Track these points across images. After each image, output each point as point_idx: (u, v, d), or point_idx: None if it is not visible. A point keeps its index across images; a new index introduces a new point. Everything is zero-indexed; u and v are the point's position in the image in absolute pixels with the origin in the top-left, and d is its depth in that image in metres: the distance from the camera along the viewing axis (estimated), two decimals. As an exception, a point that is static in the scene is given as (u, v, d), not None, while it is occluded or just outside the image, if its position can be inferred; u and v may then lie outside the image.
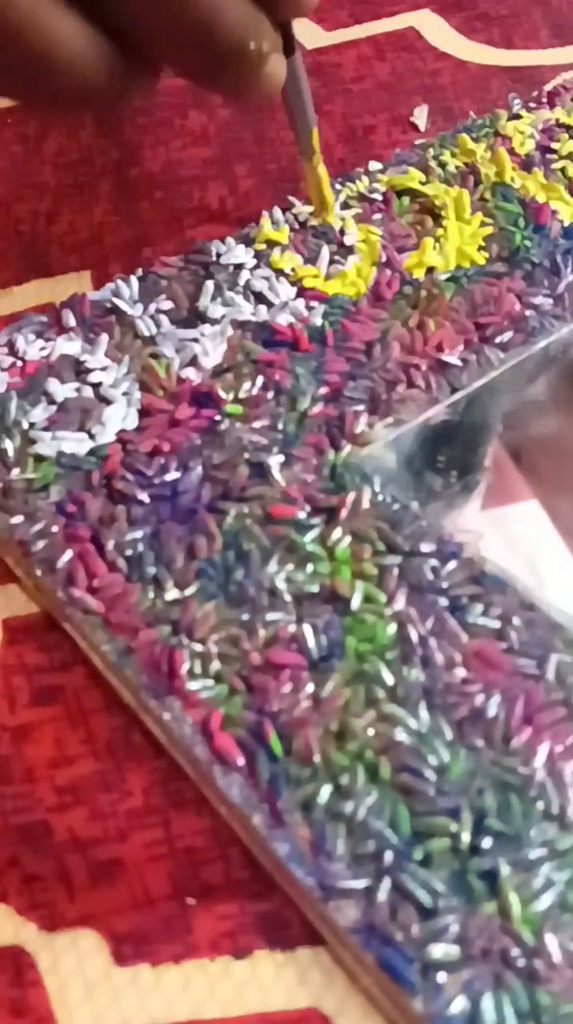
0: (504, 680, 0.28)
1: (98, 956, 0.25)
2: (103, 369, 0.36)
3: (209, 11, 0.31)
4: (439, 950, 0.24)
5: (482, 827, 0.26)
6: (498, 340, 0.36)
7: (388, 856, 0.26)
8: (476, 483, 0.35)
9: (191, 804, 0.27)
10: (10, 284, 0.40)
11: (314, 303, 0.37)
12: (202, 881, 0.26)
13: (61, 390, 0.35)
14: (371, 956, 0.24)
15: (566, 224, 0.40)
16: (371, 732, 0.28)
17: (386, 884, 0.25)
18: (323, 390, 0.35)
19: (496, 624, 0.30)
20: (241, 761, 0.27)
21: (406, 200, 0.41)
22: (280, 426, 0.34)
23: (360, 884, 0.25)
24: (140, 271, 0.39)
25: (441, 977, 0.24)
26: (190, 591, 0.30)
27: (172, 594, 0.30)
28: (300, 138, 0.39)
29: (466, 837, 0.26)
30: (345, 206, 0.41)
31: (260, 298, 0.38)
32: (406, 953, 0.24)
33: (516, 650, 0.29)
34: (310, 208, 0.40)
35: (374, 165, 0.42)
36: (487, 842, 0.26)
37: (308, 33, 0.49)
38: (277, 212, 0.40)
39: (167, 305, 0.37)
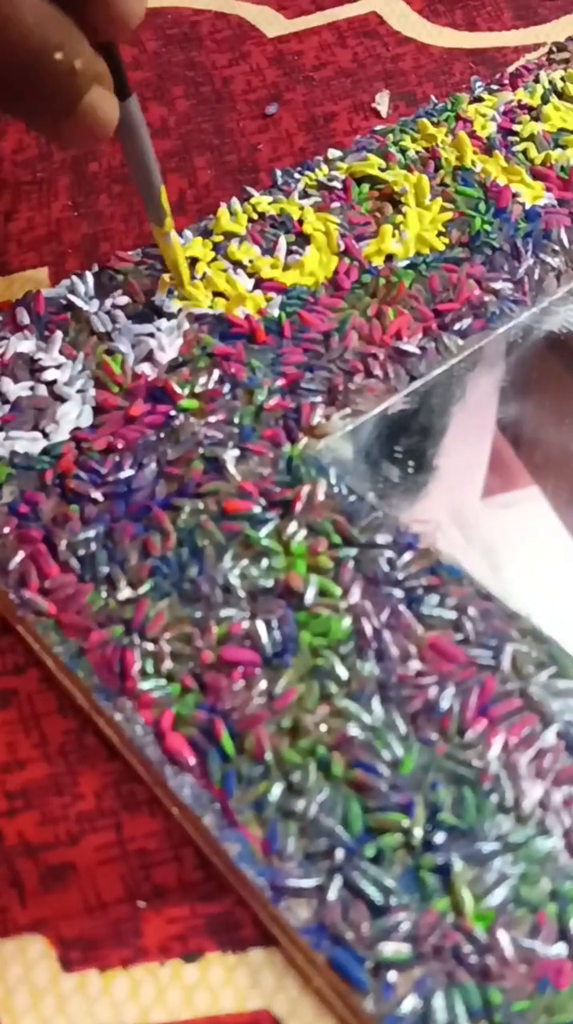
0: (459, 671, 0.28)
1: (45, 963, 0.25)
2: (58, 367, 0.35)
3: (1, 10, 0.27)
4: (390, 948, 0.24)
5: (435, 822, 0.26)
6: (457, 327, 0.36)
7: (339, 854, 0.25)
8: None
9: (144, 806, 0.27)
10: (-33, 283, 0.39)
11: (272, 294, 0.37)
12: (154, 883, 0.26)
13: (15, 389, 0.34)
14: (322, 956, 0.24)
15: (527, 207, 0.39)
16: (324, 728, 0.27)
17: (337, 882, 0.25)
18: (280, 382, 0.34)
19: (451, 615, 0.29)
20: (192, 761, 0.27)
21: (366, 187, 0.40)
22: (236, 420, 0.34)
23: (311, 883, 0.25)
24: (96, 266, 0.38)
25: (392, 976, 0.24)
26: (143, 589, 0.30)
27: (125, 593, 0.30)
28: (146, 199, 0.35)
29: (419, 832, 0.25)
30: (304, 195, 0.40)
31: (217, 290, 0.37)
32: (356, 952, 0.24)
33: (471, 641, 0.29)
34: (268, 198, 0.40)
35: (333, 153, 0.42)
36: (440, 837, 0.25)
37: (269, 21, 0.49)
38: (235, 203, 0.40)
39: (123, 300, 0.37)
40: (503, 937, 0.24)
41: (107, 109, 0.30)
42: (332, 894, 0.25)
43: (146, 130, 0.33)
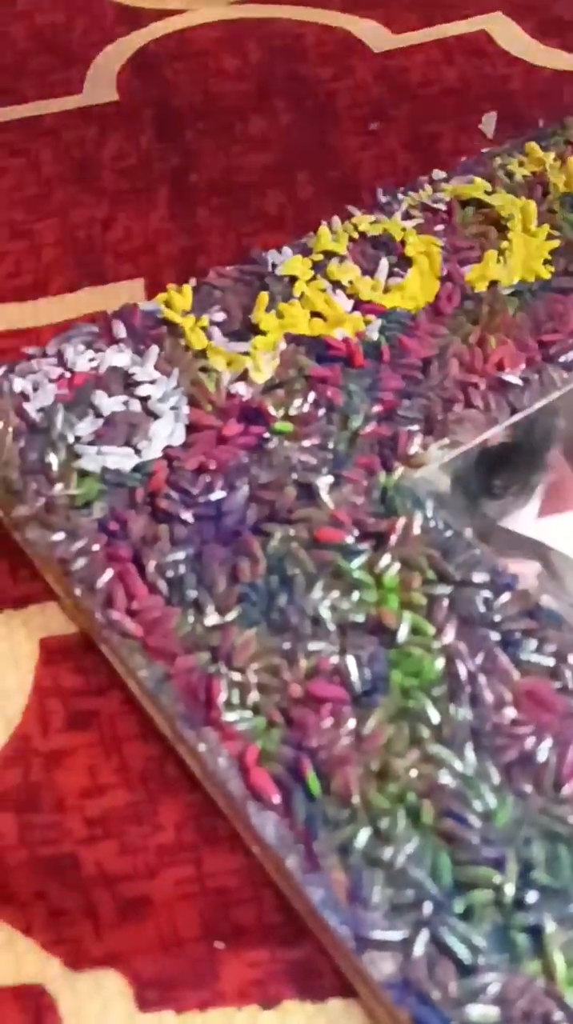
0: (557, 722, 0.27)
1: (121, 1000, 0.24)
2: (152, 382, 0.35)
3: None
4: (477, 1011, 0.23)
5: (528, 879, 0.25)
6: (562, 359, 0.35)
7: (427, 907, 0.24)
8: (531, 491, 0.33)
9: (225, 842, 0.26)
10: (63, 292, 0.39)
11: (371, 317, 0.36)
12: (233, 923, 0.25)
13: (108, 403, 0.34)
14: (405, 1013, 0.23)
15: None
16: (414, 773, 0.26)
17: (424, 937, 0.24)
18: (377, 408, 0.34)
19: (550, 662, 0.28)
20: (277, 799, 0.26)
21: (470, 211, 0.40)
22: (330, 445, 0.33)
23: (397, 936, 0.24)
24: (194, 281, 0.38)
25: (478, 1040, 0.23)
26: (231, 616, 0.29)
27: (212, 619, 0.29)
28: None
29: (510, 890, 0.25)
30: (407, 216, 0.39)
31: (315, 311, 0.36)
32: (442, 1013, 0.23)
33: (570, 690, 0.28)
34: (370, 217, 0.39)
35: (438, 174, 0.41)
36: (532, 896, 0.24)
37: (376, 36, 0.48)
38: (336, 221, 0.39)
39: (220, 316, 0.36)
40: (596, 1006, 0.23)
41: None
42: (418, 949, 0.24)
43: None
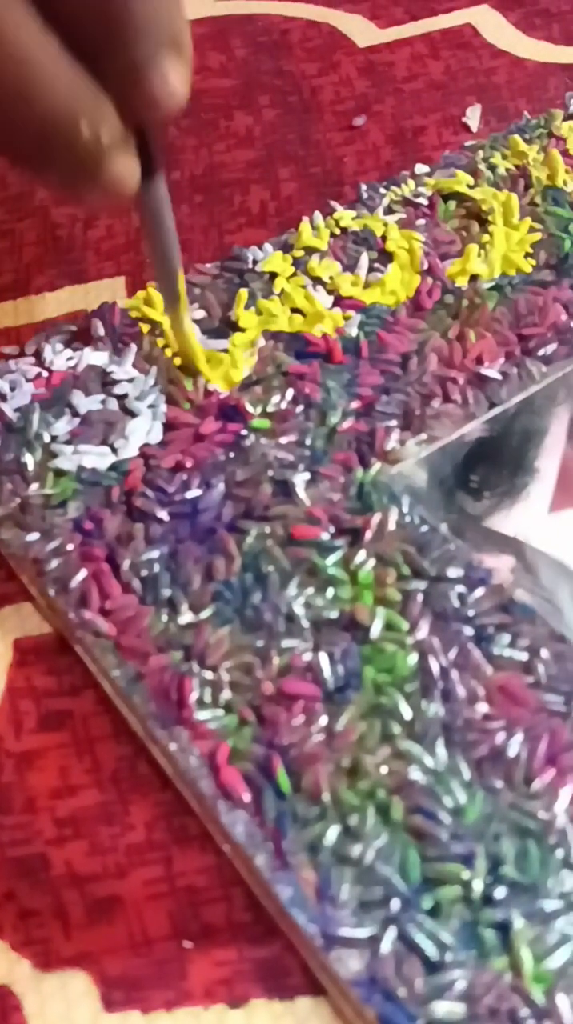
0: (528, 717, 0.27)
1: (87, 1001, 0.24)
2: (130, 381, 0.35)
3: (28, 73, 0.25)
4: (443, 1008, 0.23)
5: (497, 875, 0.25)
6: (541, 352, 0.35)
7: (395, 904, 0.24)
8: (524, 486, 0.33)
9: (195, 841, 0.26)
10: (43, 290, 0.39)
11: (351, 312, 0.36)
12: (202, 923, 0.25)
13: (85, 402, 0.34)
14: (372, 1011, 0.23)
15: (620, 229, 0.38)
16: (384, 770, 0.26)
17: (391, 934, 0.24)
18: (355, 404, 0.34)
19: (523, 656, 0.28)
20: (247, 797, 0.26)
21: (452, 204, 0.39)
22: (308, 442, 0.33)
23: (364, 933, 0.24)
24: (173, 279, 0.37)
25: (444, 1037, 0.23)
26: (205, 615, 0.29)
27: (186, 617, 0.29)
28: (161, 282, 0.33)
29: (478, 886, 0.24)
30: (389, 211, 0.39)
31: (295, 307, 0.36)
32: (408, 1010, 0.23)
33: (543, 685, 0.27)
34: (352, 212, 0.39)
35: (420, 168, 0.41)
36: (501, 892, 0.24)
37: (361, 30, 0.48)
38: (318, 217, 0.39)
39: (199, 314, 0.36)
40: (562, 1002, 0.23)
41: (127, 176, 0.28)
42: (385, 946, 0.24)
43: (170, 210, 0.31)
